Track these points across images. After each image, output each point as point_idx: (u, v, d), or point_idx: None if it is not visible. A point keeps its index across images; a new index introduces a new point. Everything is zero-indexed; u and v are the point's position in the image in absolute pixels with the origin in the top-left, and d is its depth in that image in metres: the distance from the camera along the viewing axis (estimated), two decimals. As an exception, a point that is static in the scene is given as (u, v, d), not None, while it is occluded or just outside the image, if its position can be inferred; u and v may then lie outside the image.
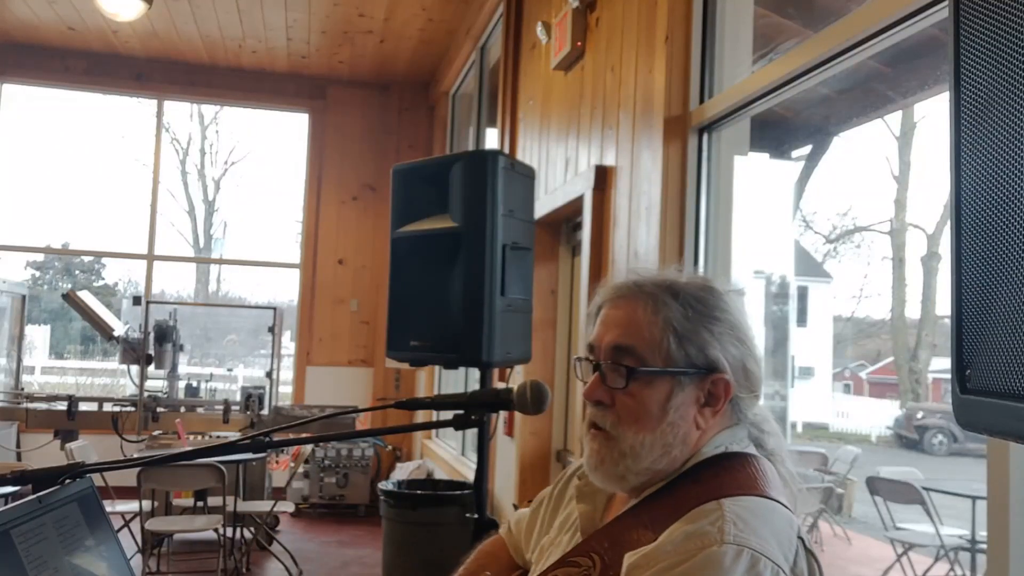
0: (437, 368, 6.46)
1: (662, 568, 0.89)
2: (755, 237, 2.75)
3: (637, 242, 2.90)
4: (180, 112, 15.18)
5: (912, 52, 3.14)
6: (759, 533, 0.90)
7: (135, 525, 4.61)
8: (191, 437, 5.06)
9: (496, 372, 2.60)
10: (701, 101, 2.68)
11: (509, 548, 1.30)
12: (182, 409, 5.52)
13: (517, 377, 3.98)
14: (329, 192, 7.66)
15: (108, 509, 1.45)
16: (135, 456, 3.97)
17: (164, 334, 5.51)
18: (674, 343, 1.02)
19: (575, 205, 3.60)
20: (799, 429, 12.69)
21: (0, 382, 6.40)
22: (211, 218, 15.20)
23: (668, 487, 1.02)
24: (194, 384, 5.78)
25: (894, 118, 11.30)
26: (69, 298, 5.62)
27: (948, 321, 0.68)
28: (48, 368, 14.00)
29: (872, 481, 5.38)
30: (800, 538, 0.94)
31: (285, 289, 11.62)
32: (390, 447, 7.34)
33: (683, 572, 0.87)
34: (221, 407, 5.39)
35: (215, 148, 15.55)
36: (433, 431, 6.72)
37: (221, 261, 15.54)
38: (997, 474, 1.39)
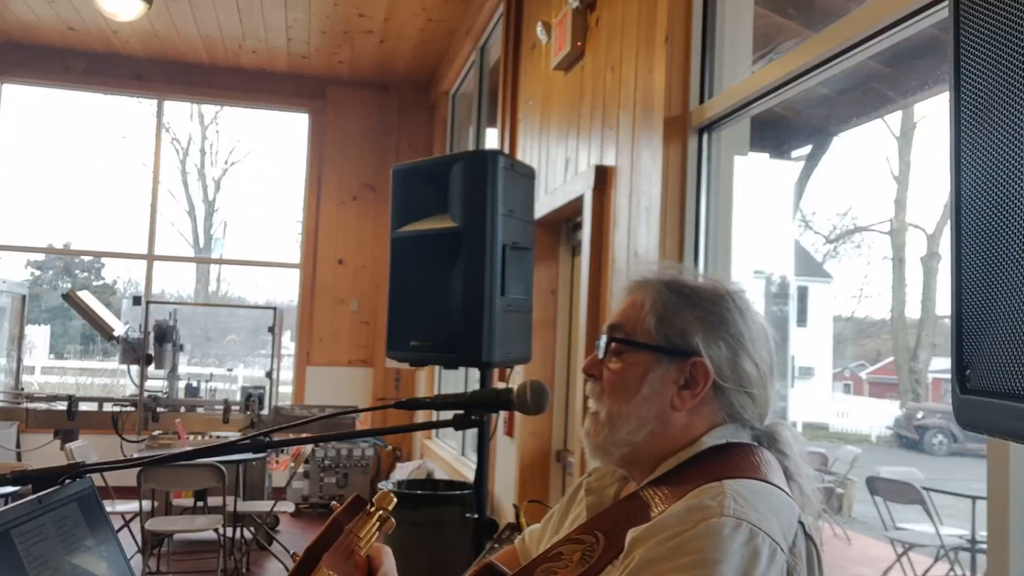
0: (437, 368, 6.46)
1: (663, 539, 0.91)
2: (755, 237, 2.75)
3: (637, 242, 2.90)
4: (180, 112, 15.16)
5: (912, 52, 3.14)
6: (759, 510, 0.92)
7: (135, 525, 4.62)
8: (191, 437, 5.06)
9: (496, 372, 2.59)
10: (701, 101, 2.68)
11: (520, 556, 1.33)
12: (182, 409, 5.52)
13: (517, 377, 3.98)
14: (329, 192, 7.66)
15: (108, 509, 1.45)
16: (135, 456, 3.98)
17: (164, 334, 5.51)
18: (654, 322, 1.10)
19: (575, 205, 3.60)
20: (799, 429, 12.66)
21: (0, 382, 6.40)
22: (211, 218, 15.19)
23: (671, 474, 1.05)
24: (194, 384, 5.77)
25: (894, 118, 11.28)
26: (69, 298, 5.62)
27: (948, 321, 0.68)
28: (48, 368, 13.98)
29: (872, 481, 5.38)
30: (801, 523, 0.96)
31: (285, 289, 11.61)
32: (390, 447, 7.34)
33: (683, 541, 0.90)
34: (221, 407, 5.39)
35: (215, 148, 15.54)
36: (433, 431, 6.72)
37: (221, 261, 15.52)
38: (997, 474, 1.39)
